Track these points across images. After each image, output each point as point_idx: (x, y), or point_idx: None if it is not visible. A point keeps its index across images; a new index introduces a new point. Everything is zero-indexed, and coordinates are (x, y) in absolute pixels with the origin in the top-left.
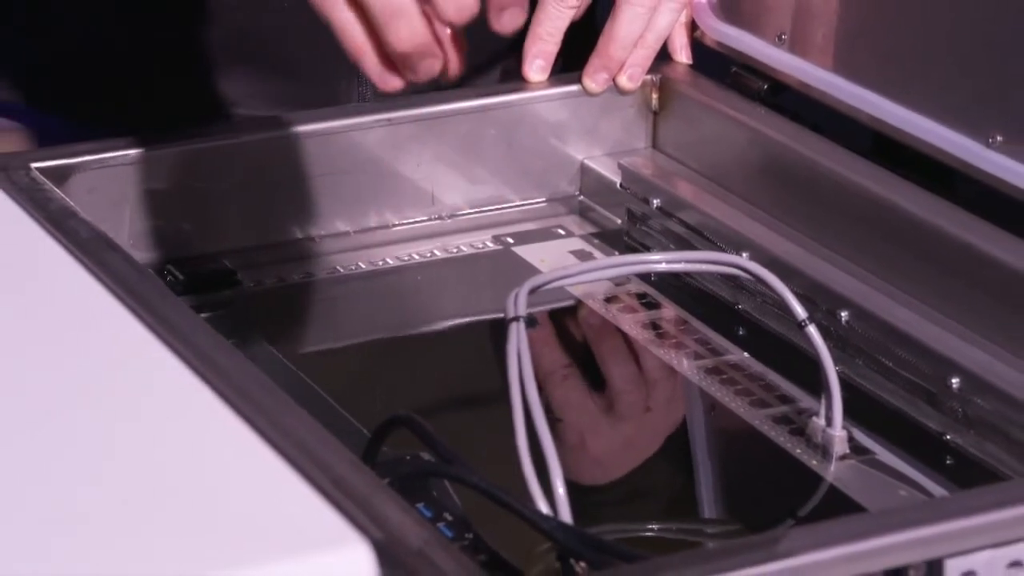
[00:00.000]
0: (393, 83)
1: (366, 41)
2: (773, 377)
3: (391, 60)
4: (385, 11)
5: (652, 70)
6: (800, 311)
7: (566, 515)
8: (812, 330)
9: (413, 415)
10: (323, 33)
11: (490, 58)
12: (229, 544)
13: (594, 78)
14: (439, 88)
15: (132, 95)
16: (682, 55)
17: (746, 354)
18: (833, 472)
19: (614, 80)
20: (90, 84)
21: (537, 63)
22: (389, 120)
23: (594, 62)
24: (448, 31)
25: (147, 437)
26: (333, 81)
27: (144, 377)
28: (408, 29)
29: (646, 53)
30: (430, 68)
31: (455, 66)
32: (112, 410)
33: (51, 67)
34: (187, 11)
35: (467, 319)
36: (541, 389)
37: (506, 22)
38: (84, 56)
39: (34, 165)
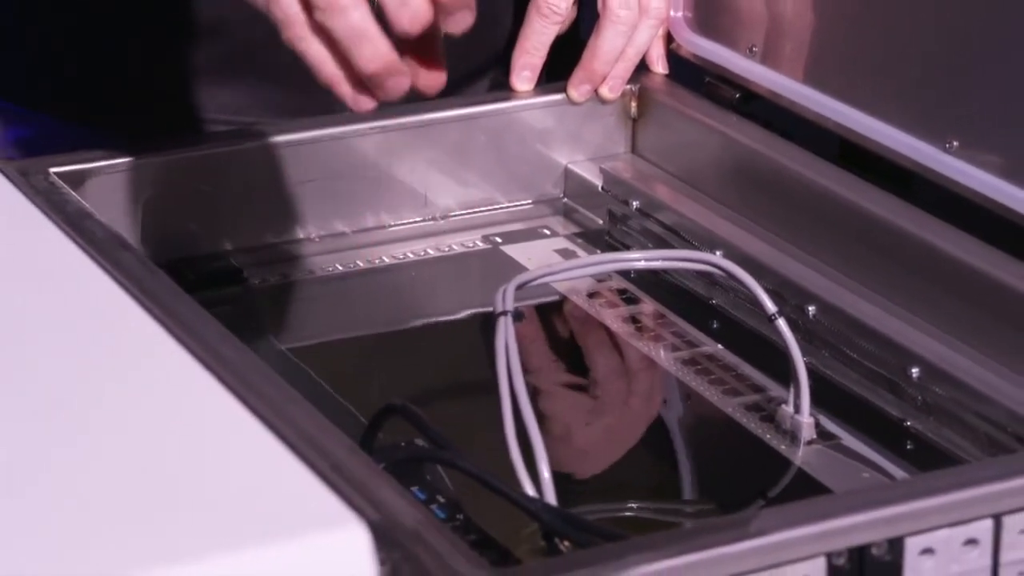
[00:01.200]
0: (365, 104)
1: (337, 71)
2: (745, 368)
3: (362, 83)
4: (350, 37)
5: (631, 80)
6: (770, 305)
7: (551, 497)
8: (781, 323)
9: (408, 404)
10: None
11: (480, 69)
12: (233, 524)
13: (578, 89)
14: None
15: (138, 103)
16: (659, 66)
17: (720, 346)
18: (801, 456)
19: (596, 90)
20: (96, 92)
21: (524, 74)
22: (384, 127)
23: (578, 74)
24: (432, 44)
25: (157, 424)
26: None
27: (155, 368)
28: (372, 50)
29: (626, 66)
30: (397, 86)
31: (428, 82)
32: (124, 399)
33: (60, 75)
34: (191, 25)
35: (458, 314)
36: (528, 379)
37: (453, 24)
38: (92, 65)
39: (52, 170)
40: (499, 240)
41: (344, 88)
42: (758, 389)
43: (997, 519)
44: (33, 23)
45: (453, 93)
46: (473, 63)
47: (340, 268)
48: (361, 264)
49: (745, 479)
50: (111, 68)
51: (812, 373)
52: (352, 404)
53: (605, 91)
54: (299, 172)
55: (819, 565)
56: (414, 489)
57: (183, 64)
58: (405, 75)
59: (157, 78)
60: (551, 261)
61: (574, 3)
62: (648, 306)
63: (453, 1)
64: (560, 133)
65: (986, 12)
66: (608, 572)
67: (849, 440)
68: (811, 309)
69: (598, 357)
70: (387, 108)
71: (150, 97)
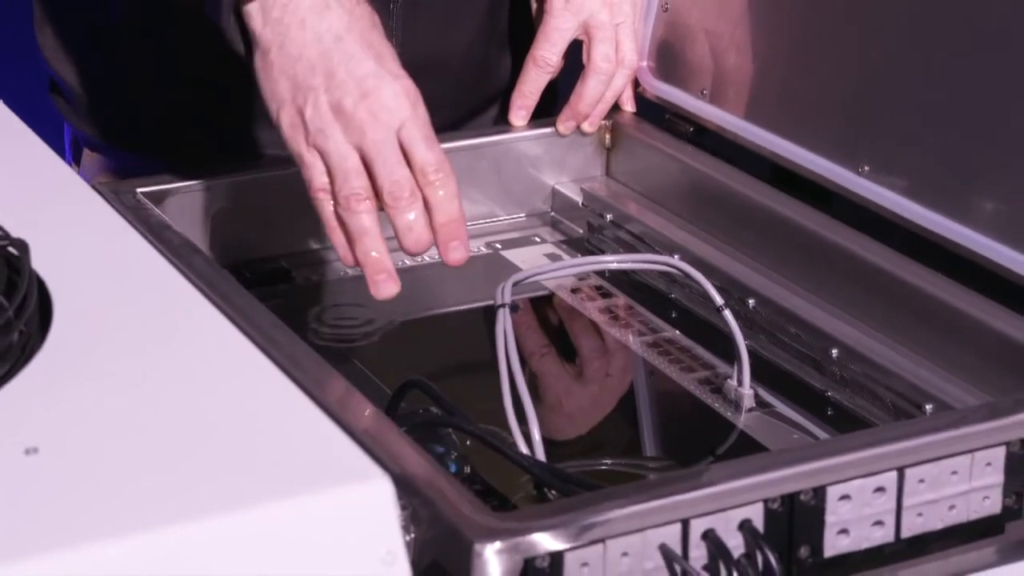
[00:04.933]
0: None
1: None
2: (698, 349)
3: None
4: (355, 231)
5: (606, 116)
6: (718, 299)
7: (541, 455)
8: (727, 313)
9: (424, 379)
10: None
11: (482, 108)
12: (277, 476)
13: (565, 125)
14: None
15: (203, 141)
16: (629, 106)
17: (677, 332)
18: (743, 421)
19: (578, 125)
20: (170, 133)
21: (520, 112)
22: None
23: (566, 112)
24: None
25: (220, 395)
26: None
27: (219, 350)
28: (368, 248)
29: (604, 107)
30: (374, 282)
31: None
32: (193, 374)
33: (144, 121)
34: (248, 78)
35: (465, 306)
36: (522, 360)
37: (447, 254)
38: (167, 112)
39: (139, 190)
40: (499, 246)
41: (337, 239)
42: (708, 367)
43: (900, 471)
44: (124, 81)
45: (460, 127)
46: (477, 103)
47: None
48: None
49: (698, 440)
50: (183, 114)
51: (752, 353)
52: (379, 379)
53: (586, 126)
54: None
55: (758, 509)
56: (430, 448)
57: (241, 109)
58: (392, 280)
59: (217, 121)
60: (541, 263)
61: (563, 57)
62: (620, 300)
63: (446, 236)
64: (548, 160)
65: (891, 63)
66: (587, 516)
67: (782, 408)
68: (751, 302)
69: (579, 341)
70: None
71: (214, 136)
